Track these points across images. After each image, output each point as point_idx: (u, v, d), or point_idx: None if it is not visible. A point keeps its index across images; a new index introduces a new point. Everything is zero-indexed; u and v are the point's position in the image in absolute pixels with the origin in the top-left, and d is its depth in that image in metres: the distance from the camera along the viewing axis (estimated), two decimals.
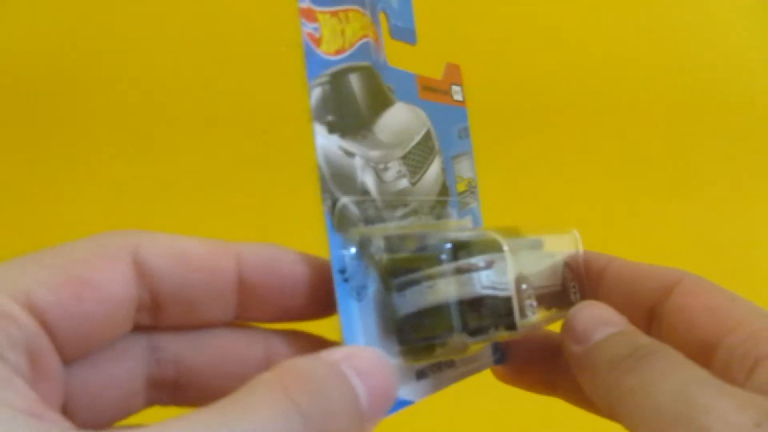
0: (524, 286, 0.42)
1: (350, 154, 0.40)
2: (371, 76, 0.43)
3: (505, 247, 0.40)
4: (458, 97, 0.52)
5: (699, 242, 0.98)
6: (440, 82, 0.51)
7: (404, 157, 0.45)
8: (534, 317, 0.42)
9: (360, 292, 0.39)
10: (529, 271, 0.43)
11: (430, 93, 0.49)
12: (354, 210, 0.39)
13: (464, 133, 0.52)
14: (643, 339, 0.41)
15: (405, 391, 0.41)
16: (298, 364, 0.33)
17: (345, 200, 0.39)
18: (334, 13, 0.41)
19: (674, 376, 0.37)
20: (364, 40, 0.43)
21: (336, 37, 0.41)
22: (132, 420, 0.38)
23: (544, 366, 0.49)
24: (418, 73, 0.49)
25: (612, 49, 1.07)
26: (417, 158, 0.47)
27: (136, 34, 1.08)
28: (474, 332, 0.39)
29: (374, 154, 0.42)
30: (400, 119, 0.45)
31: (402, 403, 0.40)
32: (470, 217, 0.51)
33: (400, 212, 0.43)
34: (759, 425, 0.32)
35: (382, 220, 0.42)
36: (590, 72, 1.06)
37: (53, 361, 0.32)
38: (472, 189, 0.52)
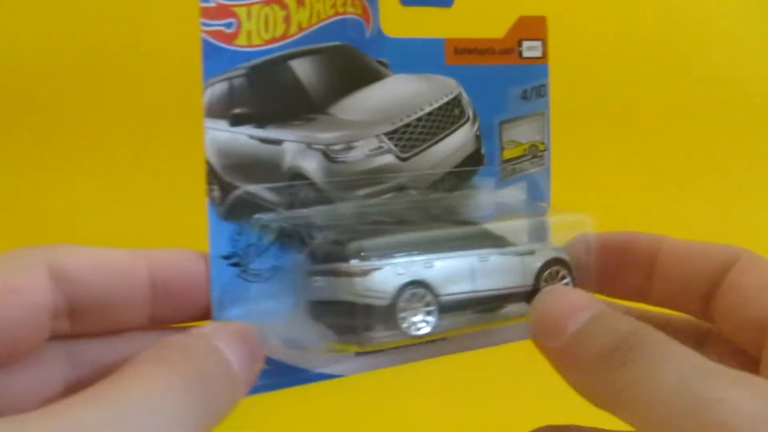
0: (411, 294, 0.42)
1: (273, 142, 0.43)
2: (342, 55, 0.45)
3: (397, 258, 0.41)
4: (532, 53, 0.50)
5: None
6: (500, 41, 0.49)
7: (392, 132, 0.46)
8: (427, 327, 0.42)
9: (260, 275, 0.43)
10: (448, 277, 0.43)
11: (470, 56, 0.48)
12: (268, 196, 0.43)
13: (532, 93, 0.50)
14: (624, 323, 0.38)
15: (340, 368, 0.44)
16: (172, 339, 0.37)
17: (251, 188, 0.42)
18: (273, 1, 0.43)
19: (674, 366, 0.34)
20: (336, 18, 0.44)
21: (273, 25, 0.43)
22: None
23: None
24: (457, 36, 0.48)
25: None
26: (421, 131, 0.47)
27: None
28: (342, 332, 0.42)
29: (325, 136, 0.44)
30: (389, 94, 0.46)
31: (327, 377, 0.44)
32: (523, 183, 0.50)
33: (365, 190, 0.45)
34: None
35: (328, 201, 0.44)
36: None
37: None
38: (535, 153, 0.50)
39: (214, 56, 0.40)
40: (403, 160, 0.45)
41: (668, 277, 0.46)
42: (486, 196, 0.48)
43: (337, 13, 0.43)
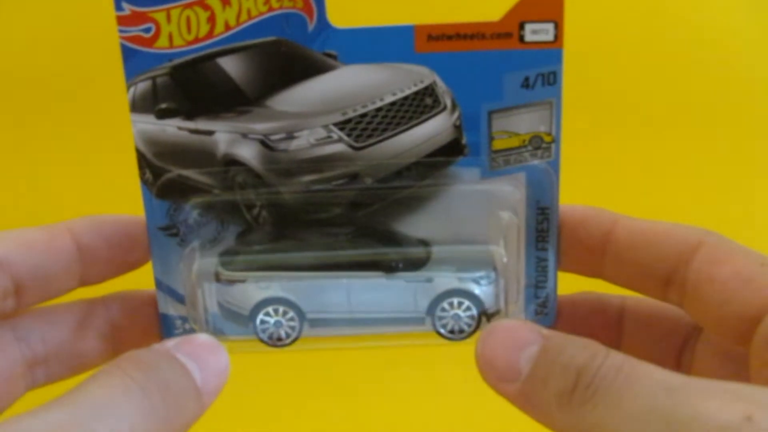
0: (273, 309, 0.46)
1: (204, 133, 0.49)
2: (276, 49, 0.47)
3: (264, 274, 0.45)
4: (536, 37, 0.46)
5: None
6: (494, 24, 0.47)
7: (344, 122, 0.49)
8: (287, 341, 0.47)
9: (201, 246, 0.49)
10: (317, 297, 0.46)
11: (450, 42, 0.47)
12: (202, 179, 0.50)
13: (537, 81, 0.47)
14: (576, 352, 0.37)
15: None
16: (132, 353, 0.37)
17: (184, 172, 0.50)
18: (194, 3, 0.46)
19: (637, 392, 0.34)
20: (270, 14, 0.47)
21: (196, 26, 0.47)
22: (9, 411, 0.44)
23: None
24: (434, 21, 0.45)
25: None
26: (380, 120, 0.49)
27: None
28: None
29: (261, 126, 0.48)
30: (338, 84, 0.48)
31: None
32: (521, 175, 0.50)
33: (310, 177, 0.49)
34: (749, 418, 0.29)
35: (266, 185, 0.48)
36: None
37: None
38: (539, 145, 0.49)
39: (133, 59, 0.44)
40: (357, 149, 0.46)
41: (622, 258, 0.44)
42: (464, 186, 0.47)
43: (271, 9, 0.44)
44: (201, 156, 0.45)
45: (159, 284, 0.47)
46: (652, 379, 0.33)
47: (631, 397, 0.33)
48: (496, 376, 0.39)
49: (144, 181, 0.46)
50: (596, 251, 0.45)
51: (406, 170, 0.46)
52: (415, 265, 0.45)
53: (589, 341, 0.37)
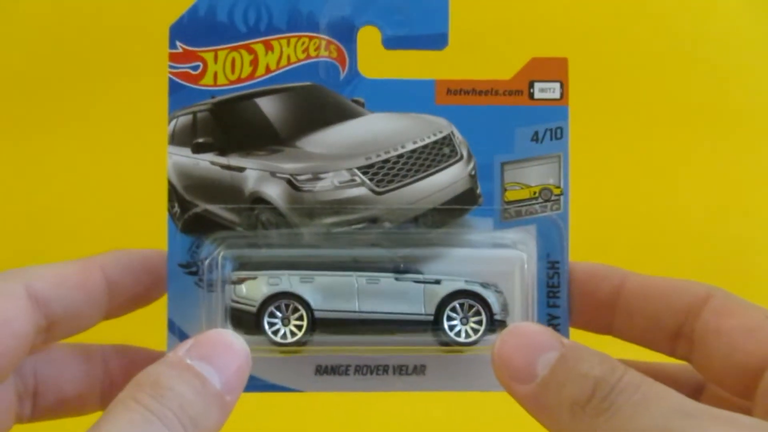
0: (281, 305, 0.47)
1: (235, 169, 0.53)
2: (310, 94, 0.51)
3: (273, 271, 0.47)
4: (544, 95, 0.50)
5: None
6: (506, 82, 0.51)
7: (367, 167, 0.52)
8: (293, 338, 0.47)
9: (213, 285, 0.49)
10: (325, 294, 0.47)
11: (467, 96, 0.51)
12: (227, 215, 0.52)
13: (546, 135, 0.50)
14: (595, 363, 0.39)
15: (299, 382, 0.50)
16: (145, 375, 0.37)
17: (211, 207, 0.53)
18: (240, 47, 0.50)
19: (653, 410, 0.36)
20: (307, 61, 0.51)
21: (240, 67, 0.51)
22: None
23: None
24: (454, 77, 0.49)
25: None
26: (401, 167, 0.52)
27: None
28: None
29: (290, 166, 0.51)
30: (364, 130, 0.51)
31: (286, 389, 0.49)
32: (532, 227, 0.52)
33: (332, 219, 0.52)
34: None
35: (288, 224, 0.50)
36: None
37: None
38: (548, 197, 0.52)
39: (179, 93, 0.48)
40: (378, 194, 0.49)
41: (633, 312, 0.45)
42: (476, 235, 0.49)
43: (308, 57, 0.48)
44: (229, 192, 0.48)
45: (171, 325, 0.48)
46: (668, 401, 0.34)
47: (647, 416, 0.34)
48: (511, 375, 0.40)
49: (171, 215, 0.49)
50: (606, 306, 0.47)
51: (423, 216, 0.48)
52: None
53: (607, 356, 0.38)
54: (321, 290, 0.46)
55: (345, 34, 0.48)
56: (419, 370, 0.48)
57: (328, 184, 0.48)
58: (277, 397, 0.47)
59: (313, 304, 0.46)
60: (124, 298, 0.48)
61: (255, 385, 0.47)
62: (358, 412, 0.83)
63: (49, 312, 0.44)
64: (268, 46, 0.47)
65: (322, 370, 0.48)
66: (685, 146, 1.02)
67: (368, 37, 0.48)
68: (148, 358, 0.47)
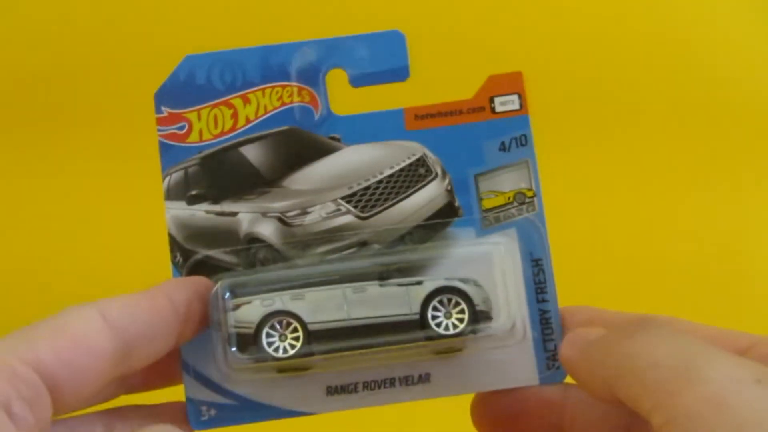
0: (275, 324, 0.50)
1: (228, 214, 0.57)
2: (289, 136, 0.56)
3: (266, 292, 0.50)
4: (505, 107, 0.54)
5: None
6: (468, 101, 0.55)
7: (350, 196, 0.56)
8: (292, 351, 0.50)
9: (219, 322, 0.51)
10: (317, 307, 0.50)
11: (434, 119, 0.55)
12: (227, 258, 0.56)
13: (512, 144, 0.54)
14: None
15: (312, 405, 0.52)
16: None
17: (211, 252, 0.56)
18: (220, 104, 0.54)
19: (673, 339, 0.38)
20: (283, 108, 0.55)
21: (222, 122, 0.56)
22: None
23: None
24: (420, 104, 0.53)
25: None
26: (382, 191, 0.56)
27: None
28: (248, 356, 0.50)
29: (278, 204, 0.55)
30: (343, 162, 0.55)
31: (297, 414, 0.52)
32: (512, 230, 0.56)
33: (324, 248, 0.56)
34: (759, 381, 0.32)
35: (284, 258, 0.54)
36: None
37: (47, 415, 0.38)
38: (522, 201, 0.55)
39: (169, 153, 0.52)
40: (364, 219, 0.53)
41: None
42: (462, 245, 0.53)
43: (283, 104, 0.52)
44: (226, 236, 0.52)
45: (186, 366, 0.51)
46: (690, 336, 0.39)
47: (669, 340, 0.37)
48: (568, 343, 0.45)
49: (175, 264, 0.52)
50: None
51: (408, 234, 0.52)
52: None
53: None
54: (312, 305, 0.49)
55: (314, 78, 0.52)
56: (424, 378, 0.50)
57: (316, 217, 0.52)
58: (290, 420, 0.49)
59: (306, 318, 0.49)
60: (192, 320, 0.49)
61: (269, 413, 0.50)
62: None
63: (124, 335, 0.44)
64: (246, 100, 0.51)
65: (332, 390, 0.50)
66: (657, 139, 1.06)
67: (336, 79, 0.53)
68: (170, 412, 0.50)
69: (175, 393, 0.52)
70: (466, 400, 0.52)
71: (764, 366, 0.34)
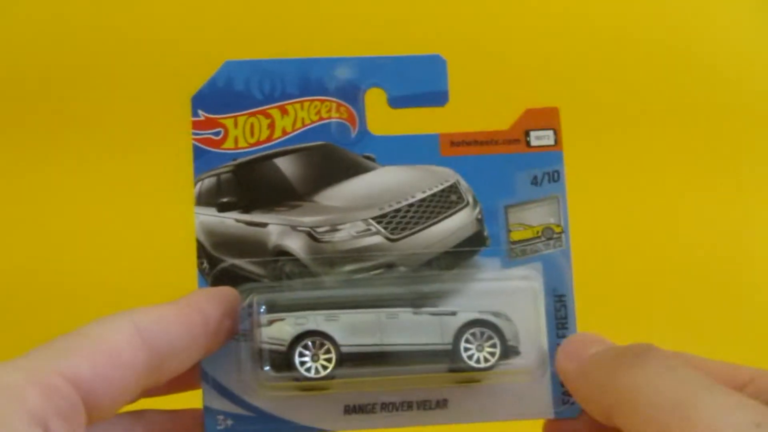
0: (308, 343, 0.50)
1: (258, 225, 0.57)
2: (324, 152, 0.56)
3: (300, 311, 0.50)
4: (540, 142, 0.54)
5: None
6: (504, 132, 0.55)
7: (381, 216, 0.57)
8: (323, 372, 0.50)
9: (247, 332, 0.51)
10: (350, 330, 0.50)
11: (469, 147, 0.55)
12: (253, 269, 0.56)
13: (544, 179, 0.54)
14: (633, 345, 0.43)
15: (329, 422, 0.52)
16: None
17: (237, 261, 0.57)
18: (257, 112, 0.54)
19: (673, 375, 0.39)
20: (320, 122, 0.56)
21: (258, 131, 0.56)
22: None
23: None
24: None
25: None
26: (413, 215, 0.56)
27: None
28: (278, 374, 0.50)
29: (309, 219, 0.55)
30: (376, 183, 0.56)
31: (314, 430, 0.52)
32: (538, 264, 0.56)
33: (351, 266, 0.56)
34: (759, 425, 0.32)
35: (311, 274, 0.53)
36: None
37: (81, 429, 0.38)
38: (550, 236, 0.56)
39: (203, 158, 0.52)
40: (393, 240, 0.53)
41: None
42: (490, 278, 0.53)
43: (321, 119, 0.52)
44: (254, 246, 0.52)
45: (205, 376, 0.51)
46: (689, 370, 0.39)
47: (669, 376, 0.38)
48: (565, 355, 0.46)
49: (201, 270, 0.53)
50: None
51: (435, 260, 0.52)
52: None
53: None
54: (345, 327, 0.49)
55: (353, 96, 0.52)
56: (441, 404, 0.51)
57: (346, 235, 0.52)
58: None
59: (339, 340, 0.49)
60: (221, 335, 0.49)
61: (286, 428, 0.50)
62: None
63: (155, 346, 0.44)
64: (284, 111, 0.51)
65: (350, 410, 0.51)
66: (657, 140, 1.06)
67: (375, 98, 0.53)
68: (189, 418, 0.50)
69: (188, 397, 0.52)
70: (481, 428, 0.51)
71: (764, 406, 0.34)
